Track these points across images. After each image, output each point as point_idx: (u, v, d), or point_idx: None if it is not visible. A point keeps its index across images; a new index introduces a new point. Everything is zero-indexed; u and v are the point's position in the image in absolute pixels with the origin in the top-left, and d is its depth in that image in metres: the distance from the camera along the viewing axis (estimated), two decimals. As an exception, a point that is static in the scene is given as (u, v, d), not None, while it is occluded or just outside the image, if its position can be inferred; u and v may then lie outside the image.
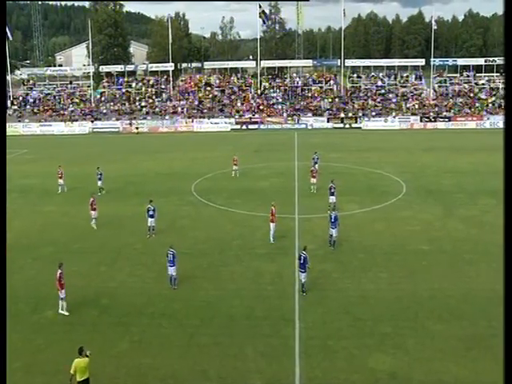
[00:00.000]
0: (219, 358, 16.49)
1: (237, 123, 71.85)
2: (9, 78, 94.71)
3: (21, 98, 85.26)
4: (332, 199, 30.69)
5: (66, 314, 19.42)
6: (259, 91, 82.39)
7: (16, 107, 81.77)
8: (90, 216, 29.62)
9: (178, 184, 39.05)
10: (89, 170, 45.05)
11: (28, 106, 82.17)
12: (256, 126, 71.12)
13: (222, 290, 21.26)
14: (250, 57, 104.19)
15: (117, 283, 22.18)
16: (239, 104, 78.18)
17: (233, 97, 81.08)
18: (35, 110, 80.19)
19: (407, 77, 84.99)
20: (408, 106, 76.53)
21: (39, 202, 35.61)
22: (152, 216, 27.54)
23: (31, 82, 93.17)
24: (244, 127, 71.16)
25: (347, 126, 71.79)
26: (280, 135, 64.60)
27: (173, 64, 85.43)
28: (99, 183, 36.67)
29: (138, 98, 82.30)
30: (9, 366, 16.22)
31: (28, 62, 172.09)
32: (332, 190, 30.71)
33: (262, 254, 24.97)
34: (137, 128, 71.63)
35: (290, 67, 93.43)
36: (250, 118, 73.00)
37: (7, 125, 73.44)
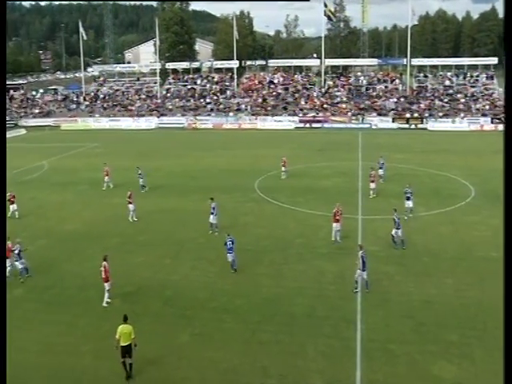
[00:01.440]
0: (280, 355, 16.54)
1: (300, 121, 71.59)
2: (81, 74, 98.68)
3: (92, 94, 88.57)
4: (408, 204, 29.58)
5: (104, 304, 20.07)
6: (323, 90, 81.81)
7: (88, 103, 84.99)
8: (129, 209, 30.44)
9: (242, 181, 39.36)
10: (154, 165, 46.32)
11: (98, 102, 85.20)
12: (320, 125, 70.62)
13: (283, 287, 21.30)
14: (314, 55, 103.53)
15: (180, 276, 22.67)
16: (303, 102, 77.91)
17: (297, 95, 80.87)
18: (105, 106, 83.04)
19: (477, 76, 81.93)
20: (478, 106, 73.78)
21: (107, 194, 36.86)
22: (213, 213, 27.78)
23: (102, 78, 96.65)
24: (308, 126, 70.81)
25: (413, 126, 70.02)
26: (344, 135, 63.89)
27: (237, 61, 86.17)
28: (141, 181, 36.82)
29: (202, 95, 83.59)
30: (78, 349, 17.13)
31: (99, 59, 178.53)
32: (408, 195, 29.79)
33: (324, 253, 24.82)
34: (194, 124, 72.75)
35: (355, 66, 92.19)
36: (314, 117, 72.56)
37: (80, 119, 76.88)
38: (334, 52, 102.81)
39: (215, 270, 23.08)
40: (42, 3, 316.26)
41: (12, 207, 31.65)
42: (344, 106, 76.08)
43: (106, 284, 20.11)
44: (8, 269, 22.81)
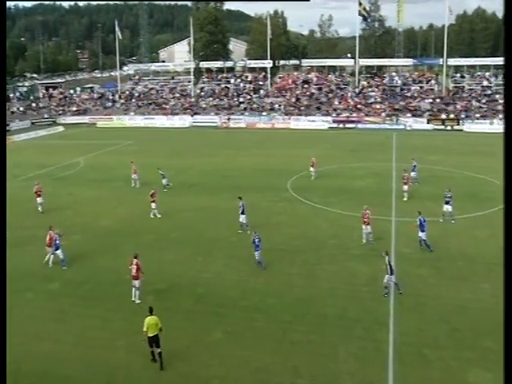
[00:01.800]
0: (311, 355, 16.50)
1: (334, 122, 71.12)
2: (117, 73, 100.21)
3: (127, 93, 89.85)
4: (447, 208, 28.90)
5: (138, 301, 20.15)
6: (357, 90, 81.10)
7: (123, 101, 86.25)
8: (151, 207, 30.81)
9: (274, 180, 39.33)
10: (187, 163, 46.76)
11: (133, 100, 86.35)
12: (353, 125, 70.04)
13: (315, 288, 21.22)
14: (349, 55, 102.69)
15: (212, 274, 22.81)
16: (337, 102, 77.40)
17: (330, 95, 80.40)
18: (140, 104, 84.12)
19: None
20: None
21: (141, 191, 37.22)
22: (243, 212, 27.82)
23: (137, 77, 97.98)
24: (341, 126, 70.30)
25: (448, 127, 68.75)
26: (377, 135, 63.19)
27: (271, 61, 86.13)
28: (164, 181, 36.99)
29: (236, 94, 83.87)
30: (112, 344, 17.41)
31: (134, 58, 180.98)
32: (447, 199, 29.18)
33: (357, 254, 24.62)
34: (225, 122, 73.02)
35: (389, 66, 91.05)
36: (348, 117, 72.01)
37: (115, 117, 78.09)
38: (369, 52, 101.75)
39: (247, 269, 23.14)
40: (81, 3, 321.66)
41: (38, 200, 32.63)
42: (378, 106, 75.28)
43: (136, 282, 20.23)
44: (46, 257, 24.12)
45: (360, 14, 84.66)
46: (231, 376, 15.62)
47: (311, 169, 39.50)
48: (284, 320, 18.72)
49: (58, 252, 24.16)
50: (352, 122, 70.82)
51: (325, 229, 28.44)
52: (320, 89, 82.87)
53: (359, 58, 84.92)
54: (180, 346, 17.18)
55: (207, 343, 17.34)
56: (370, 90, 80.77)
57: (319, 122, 71.61)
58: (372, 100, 77.47)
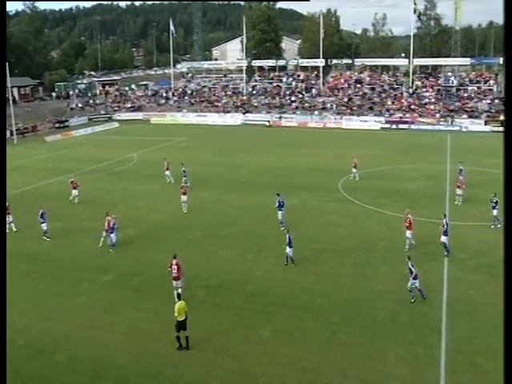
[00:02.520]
0: (359, 358, 16.35)
1: (386, 122, 69.92)
2: (171, 71, 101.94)
3: (180, 90, 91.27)
4: (494, 213, 27.95)
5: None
6: (411, 90, 79.43)
7: (176, 98, 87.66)
8: (181, 200, 31.59)
9: (325, 180, 39.07)
10: (238, 161, 47.09)
11: (186, 97, 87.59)
12: (406, 126, 68.62)
13: (365, 289, 20.99)
14: (402, 54, 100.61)
15: (262, 272, 22.91)
16: (390, 102, 76.08)
17: (383, 95, 79.11)
18: (192, 101, 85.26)
19: None
20: None
21: (193, 187, 37.75)
22: (280, 209, 27.94)
23: (190, 74, 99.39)
24: (394, 126, 69.06)
25: (507, 129, 66.28)
26: (431, 136, 61.71)
27: (323, 60, 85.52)
28: (184, 179, 36.90)
29: (288, 93, 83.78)
30: (162, 336, 17.77)
31: (188, 56, 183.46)
32: (493, 204, 28.25)
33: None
34: (276, 121, 72.99)
35: (445, 66, 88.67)
36: (401, 118, 70.62)
37: (168, 114, 79.49)
38: (424, 51, 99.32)
39: (296, 268, 23.11)
40: (137, 3, 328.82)
41: (73, 192, 34.22)
42: (432, 107, 73.47)
43: (178, 282, 20.00)
44: (101, 239, 26.03)
45: (415, 12, 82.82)
46: (279, 374, 15.65)
47: (353, 170, 39.05)
48: (333, 321, 18.62)
49: (112, 235, 25.62)
50: (405, 122, 69.42)
51: (375, 230, 28.05)
52: (373, 89, 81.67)
53: (413, 57, 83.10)
54: (229, 342, 17.36)
55: (256, 341, 17.44)
56: (424, 90, 78.95)
57: (371, 123, 70.57)
58: (426, 100, 75.69)
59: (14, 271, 23.83)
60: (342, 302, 20.02)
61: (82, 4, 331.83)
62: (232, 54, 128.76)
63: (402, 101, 75.84)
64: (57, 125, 74.30)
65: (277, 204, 28.18)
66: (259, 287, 21.32)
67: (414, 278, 19.75)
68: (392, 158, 47.96)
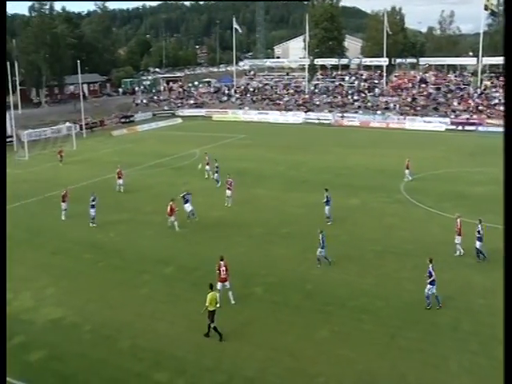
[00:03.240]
0: (420, 364, 16.01)
1: (452, 123, 67.75)
2: (233, 68, 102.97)
3: (242, 87, 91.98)
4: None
5: (233, 302, 20.02)
6: (479, 90, 76.67)
7: (238, 95, 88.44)
8: (226, 195, 32.71)
9: (387, 181, 38.32)
10: (299, 159, 47.01)
11: (248, 95, 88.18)
12: (473, 128, 66.25)
13: (427, 295, 20.52)
14: (470, 53, 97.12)
15: (321, 271, 22.80)
16: (456, 103, 73.75)
17: (449, 95, 76.77)
18: (254, 99, 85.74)
19: None
20: None
21: (253, 184, 38.12)
22: (327, 204, 28.58)
23: (252, 72, 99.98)
24: (460, 128, 66.86)
25: None
26: (500, 139, 59.29)
27: (387, 59, 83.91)
28: (216, 176, 37.67)
29: (350, 92, 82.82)
30: (221, 332, 17.99)
31: (250, 54, 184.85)
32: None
33: (472, 264, 23.40)
34: (338, 120, 72.21)
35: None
36: (468, 119, 68.26)
37: (230, 111, 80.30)
38: (494, 49, 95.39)
39: (356, 269, 22.88)
40: (201, 2, 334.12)
41: (119, 181, 36.39)
42: (502, 108, 70.67)
43: (226, 283, 20.05)
44: (169, 223, 28.29)
45: (486, 8, 79.61)
46: (336, 375, 15.56)
47: (406, 171, 38.29)
48: (393, 324, 18.32)
49: (185, 206, 28.51)
50: (472, 124, 67.05)
51: (438, 234, 27.30)
52: (438, 88, 79.40)
53: (483, 56, 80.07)
54: (287, 341, 17.42)
55: (313, 340, 17.41)
56: (493, 90, 75.96)
57: (436, 124, 68.59)
58: (495, 101, 72.81)
59: (81, 260, 24.94)
60: (403, 305, 19.65)
61: (148, 3, 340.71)
62: (294, 52, 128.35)
63: (469, 101, 73.34)
64: (123, 120, 76.64)
65: (325, 199, 28.68)
66: (318, 286, 21.24)
67: (432, 284, 19.24)
68: (457, 160, 46.49)
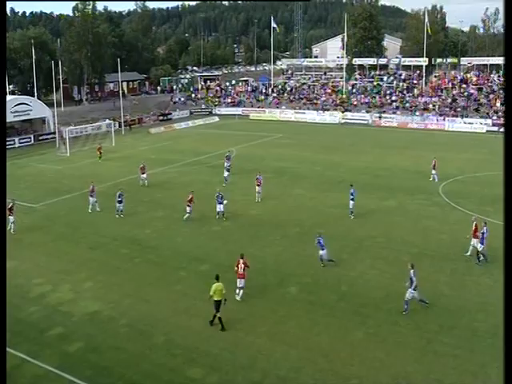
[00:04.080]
0: (457, 371, 15.70)
1: (494, 125, 66.11)
2: (271, 67, 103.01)
3: (280, 87, 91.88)
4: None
5: (239, 299, 20.22)
6: (504, 91, 74.46)
7: (275, 94, 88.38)
8: (256, 191, 33.67)
9: (426, 183, 37.61)
10: (337, 160, 46.64)
11: (285, 94, 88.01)
12: (516, 129, 64.51)
13: (465, 300, 20.09)
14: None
15: (357, 273, 22.58)
16: (498, 104, 71.90)
17: (491, 96, 74.89)
18: (291, 98, 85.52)
19: None
20: None
21: (290, 184, 38.02)
22: (352, 199, 29.64)
23: (289, 71, 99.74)
24: (502, 130, 65.12)
25: None
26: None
27: (427, 59, 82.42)
28: (226, 174, 38.43)
29: (388, 92, 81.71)
30: (255, 330, 18.06)
31: (288, 53, 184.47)
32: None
33: (514, 270, 22.75)
34: (376, 120, 71.32)
35: None
36: (510, 120, 66.50)
37: (267, 110, 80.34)
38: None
39: (392, 271, 22.54)
40: (240, 1, 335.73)
41: (142, 176, 37.99)
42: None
43: (242, 280, 20.26)
44: (186, 215, 29.67)
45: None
46: (370, 378, 15.40)
47: (432, 171, 37.97)
48: (429, 329, 18.00)
49: (218, 206, 30.00)
50: (515, 125, 65.24)
51: (478, 238, 26.66)
52: (480, 89, 77.54)
53: (529, 55, 77.80)
54: (321, 341, 17.33)
55: (348, 342, 17.26)
56: (538, 91, 73.75)
57: (477, 125, 67.00)
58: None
59: (118, 255, 25.37)
60: (439, 310, 19.29)
61: (187, 2, 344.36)
62: (332, 51, 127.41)
63: (513, 103, 71.35)
64: (160, 117, 77.56)
65: (351, 196, 29.68)
66: (353, 288, 21.06)
67: (414, 289, 18.92)
68: (499, 163, 44.65)
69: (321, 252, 23.00)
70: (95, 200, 31.96)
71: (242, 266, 20.26)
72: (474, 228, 23.86)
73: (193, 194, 29.56)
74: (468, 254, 24.19)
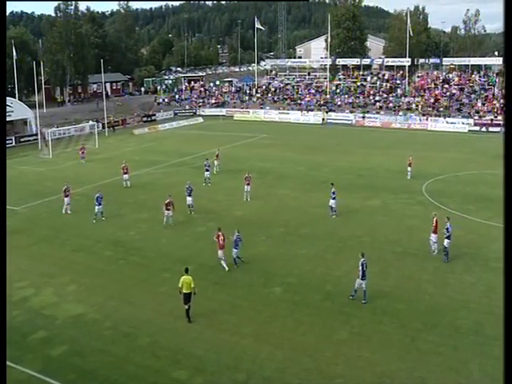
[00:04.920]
0: (440, 368, 15.85)
1: (476, 124, 66.88)
2: (255, 68, 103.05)
3: (264, 87, 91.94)
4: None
5: (227, 269, 22.75)
6: (504, 91, 75.52)
7: (259, 95, 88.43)
8: (245, 190, 33.89)
9: (409, 182, 37.97)
10: (321, 160, 46.81)
11: (269, 95, 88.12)
12: (498, 129, 65.13)
13: (448, 298, 20.28)
14: (496, 53, 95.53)
15: (341, 272, 22.68)
16: (480, 104, 72.76)
17: (473, 96, 75.74)
18: (275, 99, 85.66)
19: None
20: None
21: (275, 184, 38.08)
22: (334, 198, 29.97)
23: (273, 72, 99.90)
24: (484, 129, 65.89)
25: None
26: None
27: (409, 59, 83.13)
28: (206, 174, 38.32)
29: (372, 92, 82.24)
30: (240, 330, 18.04)
31: (272, 53, 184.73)
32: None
33: (496, 267, 22.92)
34: (360, 120, 71.72)
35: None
36: (492, 120, 67.23)
37: (251, 111, 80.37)
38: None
39: (376, 271, 22.61)
40: (223, 1, 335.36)
41: (125, 177, 37.77)
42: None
43: (223, 251, 22.82)
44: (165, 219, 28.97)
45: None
46: (355, 377, 15.47)
47: (408, 168, 39.01)
48: (413, 327, 18.15)
49: (189, 198, 30.85)
50: (497, 125, 65.97)
51: (460, 237, 26.77)
52: (462, 89, 78.40)
53: (509, 56, 78.80)
54: (306, 341, 17.38)
55: (333, 341, 17.33)
56: (519, 91, 74.72)
57: (459, 125, 67.73)
58: (521, 103, 71.62)
59: (101, 257, 25.19)
60: (423, 308, 19.47)
61: (170, 3, 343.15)
62: (316, 52, 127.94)
63: (494, 102, 72.28)
64: (144, 118, 77.21)
65: (332, 195, 30.07)
66: (337, 288, 21.14)
67: (363, 278, 19.64)
68: (481, 162, 45.83)
69: (234, 250, 23.47)
70: (68, 202, 31.74)
71: (222, 237, 22.47)
72: (434, 224, 24.27)
73: (171, 198, 28.88)
74: (435, 252, 24.42)
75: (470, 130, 65.50)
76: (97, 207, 30.25)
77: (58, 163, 47.99)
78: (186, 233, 28.25)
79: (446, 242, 23.75)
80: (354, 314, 19.05)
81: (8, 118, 59.01)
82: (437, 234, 24.18)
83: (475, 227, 28.48)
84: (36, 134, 59.33)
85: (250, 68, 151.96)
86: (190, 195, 31.21)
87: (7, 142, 58.37)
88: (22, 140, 60.10)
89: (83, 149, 48.86)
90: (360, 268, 19.75)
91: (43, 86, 78.30)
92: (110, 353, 16.89)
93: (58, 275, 23.02)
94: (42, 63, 75.58)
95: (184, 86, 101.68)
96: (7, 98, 63.80)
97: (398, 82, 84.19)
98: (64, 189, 31.76)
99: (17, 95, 71.20)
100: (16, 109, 59.76)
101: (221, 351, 16.86)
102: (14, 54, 72.23)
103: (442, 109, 73.21)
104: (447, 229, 23.69)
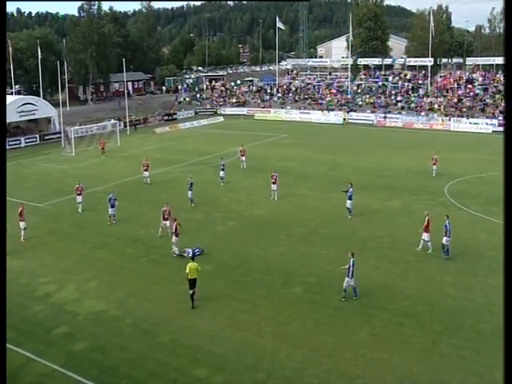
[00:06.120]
0: (462, 372, 15.64)
1: (500, 125, 65.85)
2: (276, 67, 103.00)
3: (285, 87, 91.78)
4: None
5: (177, 252, 24.49)
6: (504, 91, 74.07)
7: (280, 95, 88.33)
8: (271, 189, 33.75)
9: (430, 183, 37.56)
10: (341, 160, 46.59)
11: (290, 94, 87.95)
12: (522, 130, 64.15)
13: (470, 301, 20.01)
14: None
15: (361, 273, 22.32)
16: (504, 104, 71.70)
17: (497, 96, 74.59)
18: (296, 98, 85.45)
19: None
20: None
21: (295, 184, 37.96)
22: (350, 198, 29.73)
23: (294, 72, 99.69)
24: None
25: None
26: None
27: (432, 59, 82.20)
28: (221, 174, 38.29)
29: (393, 92, 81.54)
30: (260, 329, 18.09)
31: (293, 53, 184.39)
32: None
33: (520, 270, 22.65)
34: (381, 121, 71.11)
35: None
36: (516, 121, 66.14)
37: (272, 110, 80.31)
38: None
39: (397, 272, 22.53)
40: (244, 1, 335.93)
41: (145, 173, 38.58)
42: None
43: (176, 238, 24.34)
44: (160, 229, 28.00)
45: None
46: (375, 379, 15.37)
47: (433, 167, 39.16)
48: (434, 330, 17.94)
49: (190, 192, 31.70)
50: (522, 126, 64.88)
51: (483, 239, 26.61)
52: (485, 89, 77.29)
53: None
54: (326, 342, 17.30)
55: (353, 342, 17.22)
56: (545, 92, 73.41)
57: (482, 125, 66.78)
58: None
59: (122, 255, 25.43)
60: (445, 311, 19.23)
61: (192, 3, 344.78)
62: (337, 51, 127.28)
63: (519, 103, 71.03)
64: (165, 117, 77.67)
65: (348, 193, 29.77)
66: (358, 288, 20.98)
67: (351, 277, 19.61)
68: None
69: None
70: (80, 200, 31.97)
71: (175, 224, 24.17)
72: (426, 223, 24.20)
73: (168, 206, 27.45)
74: (419, 248, 24.68)
75: (494, 131, 64.42)
76: (110, 209, 29.84)
77: (80, 161, 48.55)
78: (206, 231, 28.32)
79: (444, 239, 23.76)
80: (375, 315, 18.91)
81: (32, 117, 60.19)
82: (429, 233, 24.21)
83: (498, 230, 27.94)
84: (59, 132, 60.07)
85: (271, 67, 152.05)
86: (190, 189, 32.28)
87: (31, 140, 59.52)
88: (46, 138, 60.98)
89: (103, 143, 49.82)
90: (349, 266, 19.76)
91: (66, 85, 79.30)
92: (130, 350, 17.03)
93: (79, 272, 23.31)
94: (65, 62, 76.59)
95: (205, 85, 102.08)
96: (32, 96, 65.11)
97: (420, 82, 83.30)
98: (76, 187, 32.09)
99: (41, 94, 72.20)
100: (40, 107, 60.64)
101: (240, 350, 16.89)
102: (39, 53, 73.31)
103: (464, 109, 72.25)
104: (446, 226, 23.61)
